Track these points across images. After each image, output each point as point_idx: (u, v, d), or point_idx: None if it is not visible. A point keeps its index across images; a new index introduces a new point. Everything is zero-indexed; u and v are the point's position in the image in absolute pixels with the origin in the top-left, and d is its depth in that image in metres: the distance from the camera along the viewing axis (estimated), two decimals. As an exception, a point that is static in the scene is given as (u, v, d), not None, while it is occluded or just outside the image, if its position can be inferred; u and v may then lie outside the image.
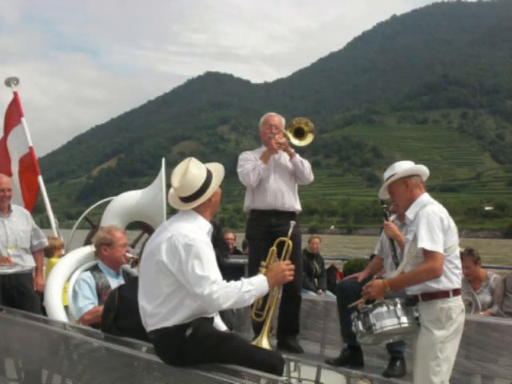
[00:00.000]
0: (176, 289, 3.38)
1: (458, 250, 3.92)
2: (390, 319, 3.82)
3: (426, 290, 3.80)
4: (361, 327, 3.90)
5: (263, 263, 3.96)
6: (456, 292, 3.83)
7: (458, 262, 3.89)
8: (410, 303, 3.88)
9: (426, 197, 4.01)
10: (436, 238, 3.72)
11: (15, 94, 9.17)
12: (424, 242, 3.70)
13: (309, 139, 5.78)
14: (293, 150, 5.74)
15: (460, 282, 3.90)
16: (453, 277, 3.81)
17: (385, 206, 4.92)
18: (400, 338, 4.13)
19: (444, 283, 3.77)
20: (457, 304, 3.81)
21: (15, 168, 8.83)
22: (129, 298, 3.95)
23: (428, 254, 3.70)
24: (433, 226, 3.75)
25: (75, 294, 4.89)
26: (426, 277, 3.74)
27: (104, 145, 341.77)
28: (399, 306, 3.84)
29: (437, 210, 3.84)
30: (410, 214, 3.94)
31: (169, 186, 3.77)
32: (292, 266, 3.71)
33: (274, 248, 4.27)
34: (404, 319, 3.82)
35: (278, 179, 5.70)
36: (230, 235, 9.56)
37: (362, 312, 3.91)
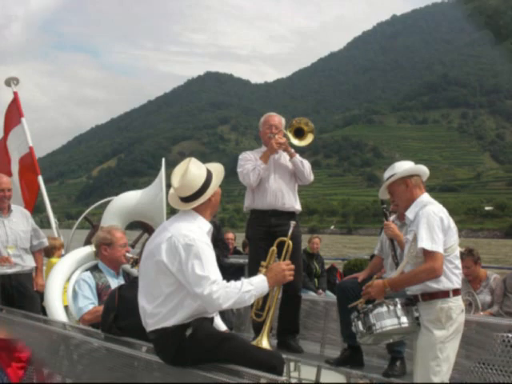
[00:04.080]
0: (176, 289, 3.38)
1: (457, 250, 3.93)
2: (390, 319, 3.82)
3: (426, 290, 3.80)
4: (361, 327, 3.91)
5: (263, 263, 3.97)
6: (456, 292, 3.83)
7: (458, 262, 3.89)
8: (410, 303, 3.88)
9: (425, 197, 4.01)
10: (436, 238, 3.72)
11: (15, 94, 9.17)
12: (424, 242, 3.70)
13: (309, 139, 5.77)
14: (293, 150, 5.74)
15: (460, 281, 3.91)
16: (453, 277, 3.82)
17: (385, 206, 4.91)
18: (400, 338, 4.13)
19: (444, 283, 3.78)
20: (457, 304, 3.81)
21: (15, 168, 8.83)
22: (129, 298, 3.95)
23: (428, 254, 3.70)
24: (433, 226, 3.75)
25: (75, 294, 4.89)
26: (425, 277, 3.74)
27: (104, 145, 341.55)
28: (399, 306, 3.84)
29: (437, 210, 3.84)
30: (410, 214, 3.94)
31: (169, 185, 3.77)
32: (292, 266, 3.71)
33: (274, 248, 4.27)
34: (404, 319, 3.82)
35: (278, 179, 5.69)
36: (230, 235, 9.56)
37: (361, 312, 3.91)
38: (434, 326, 3.76)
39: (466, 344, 4.42)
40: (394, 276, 4.00)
